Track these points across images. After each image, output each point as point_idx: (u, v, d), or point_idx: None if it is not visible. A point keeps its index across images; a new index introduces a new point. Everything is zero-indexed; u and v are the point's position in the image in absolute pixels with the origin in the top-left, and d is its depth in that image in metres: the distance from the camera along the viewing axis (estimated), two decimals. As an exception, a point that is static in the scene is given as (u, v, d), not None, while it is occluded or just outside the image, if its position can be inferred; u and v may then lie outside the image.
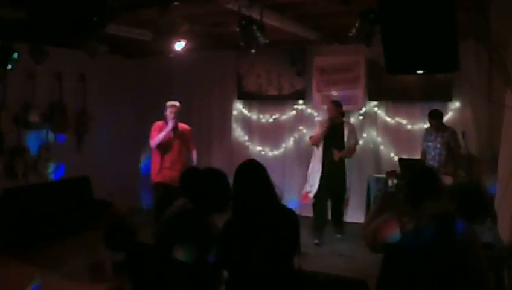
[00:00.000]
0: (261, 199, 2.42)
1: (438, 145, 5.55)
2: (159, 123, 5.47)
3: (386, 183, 2.72)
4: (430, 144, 5.65)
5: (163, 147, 5.37)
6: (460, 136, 5.55)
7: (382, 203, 2.59)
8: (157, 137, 5.32)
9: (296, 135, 7.08)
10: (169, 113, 5.44)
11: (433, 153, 5.60)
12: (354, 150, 5.85)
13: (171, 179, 5.06)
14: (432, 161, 5.59)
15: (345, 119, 5.96)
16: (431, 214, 2.24)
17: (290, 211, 2.55)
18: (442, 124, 5.62)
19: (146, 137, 7.82)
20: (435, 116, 5.57)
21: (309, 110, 6.99)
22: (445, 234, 2.20)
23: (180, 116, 8.05)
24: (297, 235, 2.51)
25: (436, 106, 5.82)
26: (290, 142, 7.17)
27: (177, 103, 5.54)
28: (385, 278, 2.35)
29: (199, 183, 2.47)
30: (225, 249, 2.41)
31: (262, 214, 2.39)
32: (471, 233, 2.24)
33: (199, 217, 2.40)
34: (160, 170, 5.37)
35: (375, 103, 6.52)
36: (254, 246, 2.35)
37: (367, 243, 2.45)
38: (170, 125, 5.35)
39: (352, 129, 5.89)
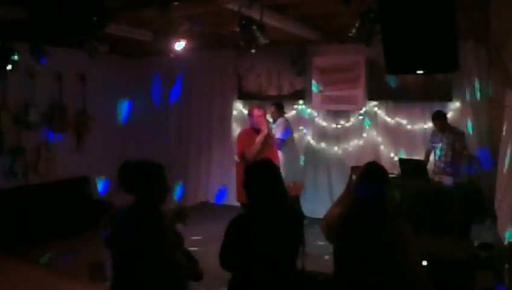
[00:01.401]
0: (273, 197, 2.45)
1: (444, 146, 5.52)
2: (247, 130, 4.97)
3: (351, 177, 2.79)
4: (436, 145, 5.63)
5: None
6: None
7: (344, 196, 2.65)
8: (253, 148, 4.66)
9: (296, 135, 7.07)
10: (262, 117, 4.92)
11: (439, 154, 5.59)
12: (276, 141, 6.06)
13: None
14: (438, 162, 5.58)
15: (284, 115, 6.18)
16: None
17: (297, 211, 2.56)
18: (446, 125, 5.59)
19: (146, 137, 7.82)
20: (439, 118, 5.56)
21: (309, 110, 6.99)
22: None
23: (180, 116, 8.04)
24: (302, 235, 2.54)
25: (436, 106, 5.82)
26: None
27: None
28: (338, 269, 2.43)
29: (138, 176, 2.45)
30: (230, 247, 2.41)
31: (271, 213, 2.42)
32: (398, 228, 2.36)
33: (146, 211, 2.39)
34: None
35: (375, 103, 6.52)
36: (260, 245, 2.36)
37: (323, 233, 2.52)
38: (265, 131, 4.82)
39: (280, 123, 6.02)
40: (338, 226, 2.42)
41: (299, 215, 2.57)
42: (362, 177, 2.45)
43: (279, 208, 2.47)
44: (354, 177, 2.79)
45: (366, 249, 2.31)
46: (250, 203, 2.52)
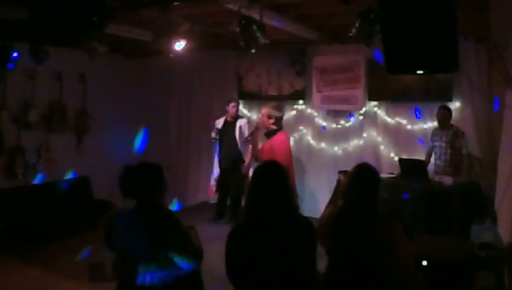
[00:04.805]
0: (278, 204, 2.21)
1: (443, 145, 5.52)
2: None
3: (339, 180, 2.91)
4: (436, 143, 5.63)
5: None
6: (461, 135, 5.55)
7: (333, 199, 2.70)
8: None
9: (296, 135, 7.08)
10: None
11: (439, 153, 5.58)
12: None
13: None
14: (438, 161, 5.58)
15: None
16: None
17: (307, 221, 2.30)
18: (449, 120, 5.55)
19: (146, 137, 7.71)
20: (443, 108, 5.54)
21: (309, 110, 6.99)
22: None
23: (180, 116, 7.98)
24: (314, 247, 2.29)
25: (436, 106, 5.81)
26: (289, 142, 7.15)
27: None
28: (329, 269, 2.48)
29: (140, 179, 2.46)
30: (232, 258, 2.23)
31: (277, 221, 2.19)
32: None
33: (144, 214, 2.39)
34: None
35: (375, 102, 6.51)
36: (265, 255, 2.15)
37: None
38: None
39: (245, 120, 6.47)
40: (329, 227, 2.46)
41: (310, 226, 2.28)
42: (352, 178, 2.51)
43: (287, 216, 2.23)
44: (342, 179, 2.91)
45: (355, 249, 2.35)
46: (252, 209, 2.25)
